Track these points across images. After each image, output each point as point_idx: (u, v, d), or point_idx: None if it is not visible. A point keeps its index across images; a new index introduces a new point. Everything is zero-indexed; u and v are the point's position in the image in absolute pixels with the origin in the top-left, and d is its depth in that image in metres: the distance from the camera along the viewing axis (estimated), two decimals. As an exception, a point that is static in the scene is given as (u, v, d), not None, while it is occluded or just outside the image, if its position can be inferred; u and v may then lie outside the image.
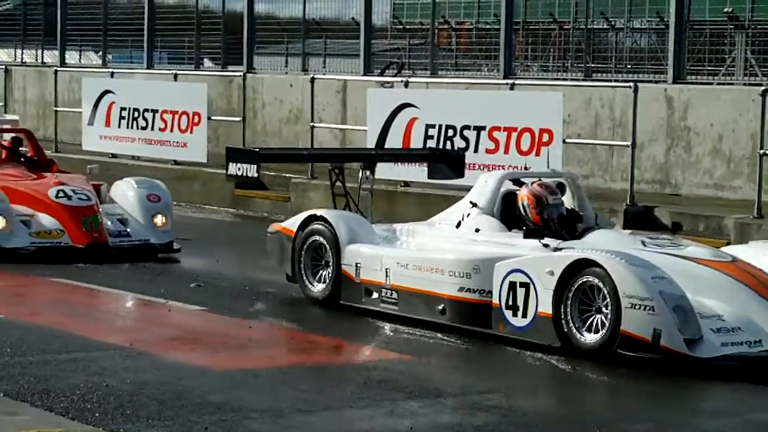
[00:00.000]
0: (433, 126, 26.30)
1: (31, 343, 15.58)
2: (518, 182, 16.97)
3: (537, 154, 24.41)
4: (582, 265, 14.74)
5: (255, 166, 18.49)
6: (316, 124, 29.84)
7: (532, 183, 16.40)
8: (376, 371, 14.52)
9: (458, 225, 17.15)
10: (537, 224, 16.27)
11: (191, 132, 31.59)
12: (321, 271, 17.85)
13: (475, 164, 25.22)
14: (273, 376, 14.43)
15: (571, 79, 32.71)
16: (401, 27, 40.90)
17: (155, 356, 15.06)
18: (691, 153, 25.44)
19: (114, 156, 32.71)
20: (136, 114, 33.23)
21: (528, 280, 15.18)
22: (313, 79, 31.03)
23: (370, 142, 27.33)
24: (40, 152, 24.38)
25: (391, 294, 16.65)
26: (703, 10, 35.13)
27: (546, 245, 15.78)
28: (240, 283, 20.26)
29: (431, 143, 26.16)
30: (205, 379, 14.03)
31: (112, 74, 36.69)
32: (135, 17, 40.39)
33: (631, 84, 25.52)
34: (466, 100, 26.96)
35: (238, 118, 32.09)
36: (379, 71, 34.25)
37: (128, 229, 21.61)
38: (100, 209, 21.72)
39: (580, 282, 14.70)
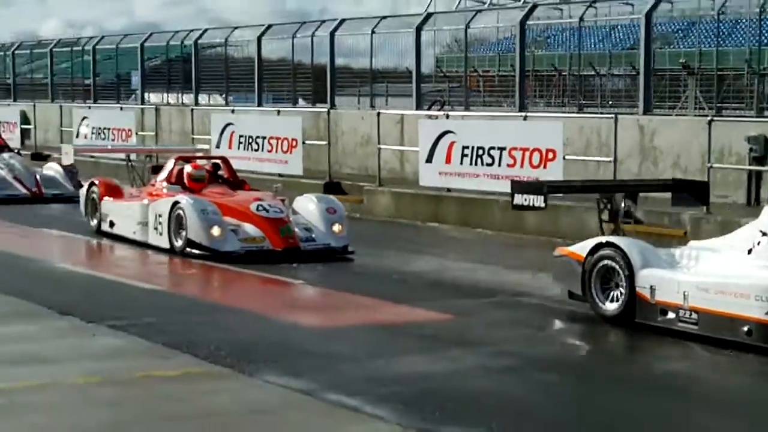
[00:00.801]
0: (468, 147, 26.26)
1: (182, 308, 15.74)
2: None
3: (544, 168, 24.50)
4: None
5: (542, 197, 16.16)
6: (381, 147, 29.85)
7: None
8: (427, 328, 14.59)
9: (749, 252, 14.80)
10: None
11: (291, 153, 31.70)
12: (611, 292, 15.26)
13: (498, 175, 25.34)
14: (354, 332, 14.51)
15: (568, 113, 32.65)
16: (443, 75, 40.84)
17: (271, 318, 15.19)
18: (657, 166, 25.37)
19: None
20: (250, 140, 33.38)
21: None
22: (378, 114, 31.03)
23: (422, 159, 27.35)
24: (234, 174, 23.39)
25: (690, 315, 14.21)
26: (664, 61, 35.14)
27: None
28: (330, 265, 20.33)
29: (466, 160, 26.15)
30: (305, 333, 14.17)
31: (232, 111, 36.77)
32: (248, 69, 40.49)
33: (613, 116, 25.53)
34: (491, 127, 26.95)
35: (324, 143, 32.13)
36: (426, 107, 34.23)
37: (313, 235, 20.45)
38: (291, 219, 20.67)
39: None
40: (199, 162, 22.88)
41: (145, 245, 21.44)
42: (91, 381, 11.20)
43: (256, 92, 39.51)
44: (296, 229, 20.45)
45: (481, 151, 26.02)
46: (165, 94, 46.49)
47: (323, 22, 38.66)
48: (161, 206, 20.90)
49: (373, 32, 36.62)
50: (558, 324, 15.26)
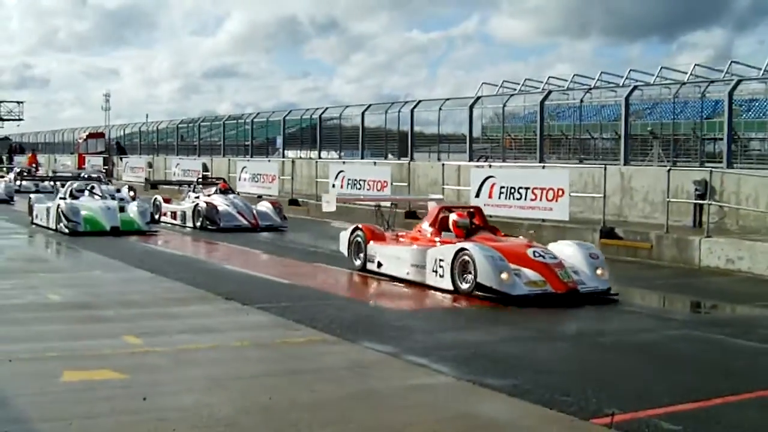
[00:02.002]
0: (504, 187, 26.03)
1: (307, 296, 15.67)
2: None
3: (556, 201, 24.35)
4: None
5: None
6: (444, 187, 29.73)
7: None
8: (480, 311, 14.48)
9: None
10: None
11: (383, 191, 31.69)
12: None
13: (524, 206, 25.19)
14: (427, 313, 14.42)
15: (572, 164, 32.38)
16: (487, 138, 40.83)
17: (368, 303, 15.12)
18: (633, 200, 25.11)
19: (345, 203, 32.68)
20: (355, 182, 33.40)
21: None
22: (443, 164, 30.98)
23: (472, 195, 27.15)
24: (486, 221, 18.12)
25: None
26: (637, 129, 34.90)
27: None
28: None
29: (503, 196, 25.97)
30: (392, 314, 14.07)
31: (343, 162, 36.89)
32: (355, 134, 40.63)
33: (603, 166, 25.24)
34: (520, 173, 26.76)
35: (405, 184, 32.16)
36: (476, 160, 34.09)
37: (582, 279, 15.59)
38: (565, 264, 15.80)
39: None
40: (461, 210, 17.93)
41: (421, 285, 16.74)
42: (245, 345, 11.20)
43: (360, 149, 39.60)
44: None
45: (512, 190, 25.84)
46: (298, 151, 46.78)
47: (406, 102, 38.69)
48: (444, 251, 16.16)
49: (440, 109, 36.69)
50: (566, 309, 15.06)
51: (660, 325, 13.75)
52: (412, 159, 35.68)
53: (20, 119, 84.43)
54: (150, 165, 55.66)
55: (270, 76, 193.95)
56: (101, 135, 69.62)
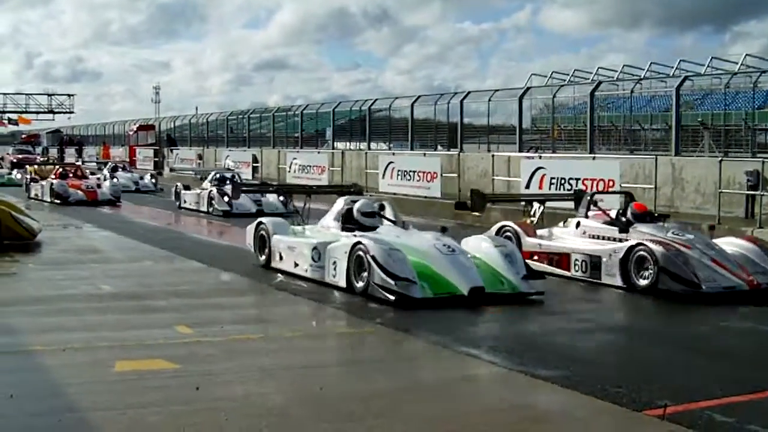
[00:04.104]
0: (554, 178, 26.02)
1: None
2: None
3: (607, 191, 24.25)
4: None
5: None
6: (494, 178, 29.63)
7: None
8: (529, 302, 14.42)
9: None
10: None
11: (432, 182, 31.60)
12: None
13: (574, 197, 25.15)
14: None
15: (623, 155, 32.17)
16: (536, 129, 40.68)
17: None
18: (684, 191, 24.91)
19: (395, 194, 32.56)
20: (404, 173, 33.26)
21: None
22: (493, 156, 30.84)
23: (522, 186, 27.13)
24: None
25: None
26: (687, 118, 34.57)
27: None
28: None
29: (553, 187, 25.93)
30: (440, 303, 14.02)
31: (393, 153, 36.75)
32: (404, 125, 40.62)
33: (653, 157, 25.17)
34: (570, 164, 26.67)
35: (455, 175, 31.97)
36: (526, 151, 33.92)
37: None
38: None
39: None
40: None
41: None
42: (296, 335, 11.20)
43: (409, 141, 39.56)
44: None
45: (563, 181, 25.77)
46: (348, 143, 46.84)
47: (455, 93, 38.66)
48: None
49: (489, 100, 36.62)
50: (615, 300, 14.95)
51: (711, 316, 13.61)
52: (461, 150, 35.60)
53: (71, 112, 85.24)
54: (200, 156, 56.00)
55: (320, 68, 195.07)
56: (151, 127, 70.14)
